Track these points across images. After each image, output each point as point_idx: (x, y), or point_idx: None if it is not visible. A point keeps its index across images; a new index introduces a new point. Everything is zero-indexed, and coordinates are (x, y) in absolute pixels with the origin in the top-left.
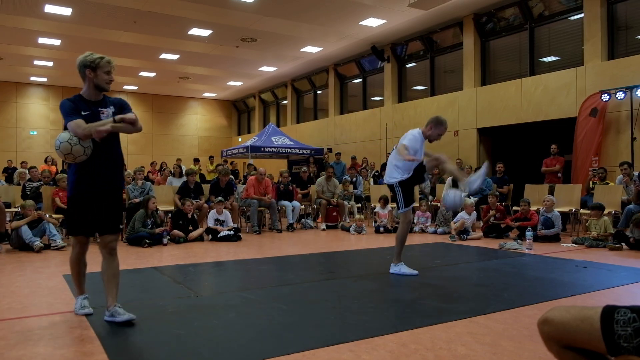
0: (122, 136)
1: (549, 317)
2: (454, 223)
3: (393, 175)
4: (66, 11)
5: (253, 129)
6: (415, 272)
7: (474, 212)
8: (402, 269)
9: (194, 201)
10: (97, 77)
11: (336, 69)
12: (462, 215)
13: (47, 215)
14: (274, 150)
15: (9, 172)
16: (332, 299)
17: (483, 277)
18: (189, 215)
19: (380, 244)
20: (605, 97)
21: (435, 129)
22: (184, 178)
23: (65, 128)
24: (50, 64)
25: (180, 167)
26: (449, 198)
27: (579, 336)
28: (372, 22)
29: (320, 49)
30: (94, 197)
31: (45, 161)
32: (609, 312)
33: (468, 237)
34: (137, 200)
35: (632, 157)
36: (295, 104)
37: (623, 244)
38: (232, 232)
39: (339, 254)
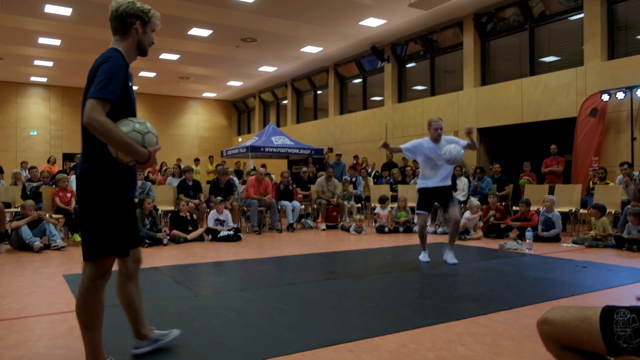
0: None
1: (549, 317)
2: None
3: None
4: (66, 11)
5: (253, 129)
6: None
7: (480, 212)
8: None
9: (190, 201)
10: (146, 36)
11: (336, 69)
12: (467, 215)
13: (47, 215)
14: (274, 150)
15: None
16: (332, 299)
17: (483, 277)
18: (186, 216)
19: (380, 244)
20: (605, 97)
21: (429, 129)
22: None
23: (86, 98)
24: (50, 64)
25: (179, 167)
26: (454, 150)
27: (578, 336)
28: (372, 22)
29: (320, 49)
30: (132, 204)
31: (48, 161)
32: (609, 313)
33: (468, 237)
34: (137, 200)
35: (632, 157)
36: (295, 104)
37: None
38: (232, 232)
39: (339, 254)
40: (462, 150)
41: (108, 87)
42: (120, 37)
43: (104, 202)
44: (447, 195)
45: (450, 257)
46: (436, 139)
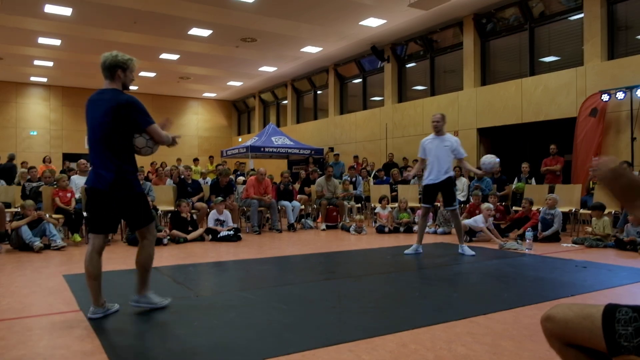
0: None
1: (552, 314)
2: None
3: None
4: (66, 11)
5: (253, 129)
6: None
7: (491, 217)
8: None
9: (190, 201)
10: (127, 77)
11: (336, 69)
12: (478, 219)
13: (47, 216)
14: (274, 150)
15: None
16: (332, 299)
17: (483, 277)
18: (187, 216)
19: (380, 244)
20: (605, 97)
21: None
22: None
23: (142, 125)
24: (50, 64)
25: (178, 169)
26: (489, 160)
27: (580, 334)
28: (372, 22)
29: (320, 49)
30: None
31: (44, 161)
32: (611, 311)
33: (475, 238)
34: None
35: (632, 157)
36: (295, 104)
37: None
38: (232, 232)
39: (339, 254)
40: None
41: (151, 116)
42: (110, 81)
43: (141, 190)
44: (448, 190)
45: (466, 250)
46: (436, 132)
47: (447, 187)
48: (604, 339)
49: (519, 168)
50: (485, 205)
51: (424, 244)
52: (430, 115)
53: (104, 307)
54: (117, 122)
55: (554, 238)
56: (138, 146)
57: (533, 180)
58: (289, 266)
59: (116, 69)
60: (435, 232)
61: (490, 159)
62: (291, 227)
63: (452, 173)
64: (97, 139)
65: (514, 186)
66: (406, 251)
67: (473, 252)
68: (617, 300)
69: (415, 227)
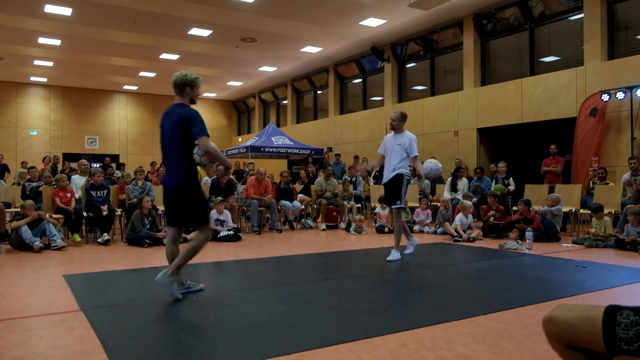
0: (122, 136)
1: (553, 316)
2: (451, 225)
3: None
4: (66, 11)
5: (253, 129)
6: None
7: (470, 215)
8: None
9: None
10: (193, 93)
11: (336, 69)
12: (460, 217)
13: (47, 215)
14: (274, 150)
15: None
16: (332, 299)
17: (483, 277)
18: None
19: (380, 244)
20: (605, 97)
21: None
22: None
23: (194, 135)
24: (50, 64)
25: None
26: (428, 166)
27: (581, 336)
28: (372, 22)
29: (320, 49)
30: None
31: (43, 161)
32: (612, 313)
33: (461, 240)
34: (136, 200)
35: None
36: (295, 104)
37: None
38: (232, 232)
39: (339, 254)
40: (439, 165)
41: (205, 129)
42: (180, 96)
43: (201, 192)
44: (393, 188)
45: (394, 255)
46: (393, 130)
47: (393, 185)
48: (604, 341)
49: (517, 168)
50: (463, 204)
51: (423, 244)
52: (431, 115)
53: (184, 284)
54: (182, 132)
55: (554, 238)
56: (197, 154)
57: (511, 179)
58: (289, 266)
59: (185, 87)
60: (435, 232)
61: (431, 165)
62: (290, 224)
63: (402, 171)
64: (168, 147)
65: (492, 187)
66: (406, 251)
67: (399, 257)
68: (617, 300)
69: (416, 227)
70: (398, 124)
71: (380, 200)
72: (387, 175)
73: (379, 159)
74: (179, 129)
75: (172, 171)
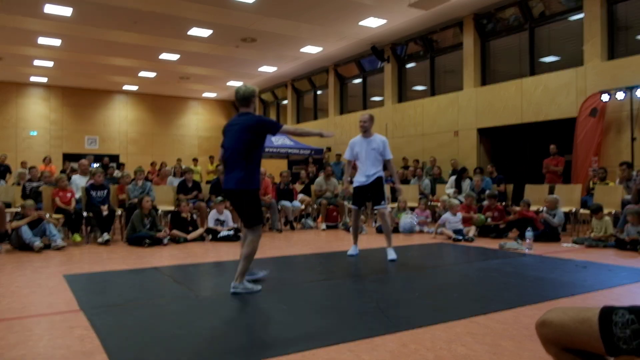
0: (122, 136)
1: (547, 319)
2: (440, 226)
3: None
4: (66, 11)
5: None
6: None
7: (459, 213)
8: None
9: (190, 202)
10: (255, 103)
11: (336, 69)
12: (447, 216)
13: (47, 215)
14: (274, 150)
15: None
16: (332, 299)
17: (483, 277)
18: (187, 216)
19: (381, 244)
20: (605, 97)
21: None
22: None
23: (273, 132)
24: (50, 64)
25: (181, 167)
26: (407, 225)
27: (577, 338)
28: (372, 22)
29: (320, 49)
30: None
31: (44, 161)
32: (607, 314)
33: (473, 239)
34: (136, 200)
35: (632, 157)
36: (295, 104)
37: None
38: (232, 232)
39: (339, 254)
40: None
41: (277, 122)
42: (246, 107)
43: (258, 193)
44: (376, 190)
45: (390, 254)
46: (363, 133)
47: (376, 187)
48: (602, 342)
49: (517, 168)
50: (450, 203)
51: (423, 244)
52: (431, 115)
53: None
54: (254, 137)
55: (554, 238)
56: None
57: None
58: (289, 266)
59: (252, 98)
60: (435, 232)
61: (408, 224)
62: (290, 224)
63: (381, 173)
64: (232, 152)
65: (480, 217)
66: (349, 252)
67: (395, 257)
68: (617, 300)
69: (417, 227)
70: (369, 125)
71: (356, 203)
72: (367, 180)
73: (346, 164)
74: (253, 135)
75: (236, 173)
